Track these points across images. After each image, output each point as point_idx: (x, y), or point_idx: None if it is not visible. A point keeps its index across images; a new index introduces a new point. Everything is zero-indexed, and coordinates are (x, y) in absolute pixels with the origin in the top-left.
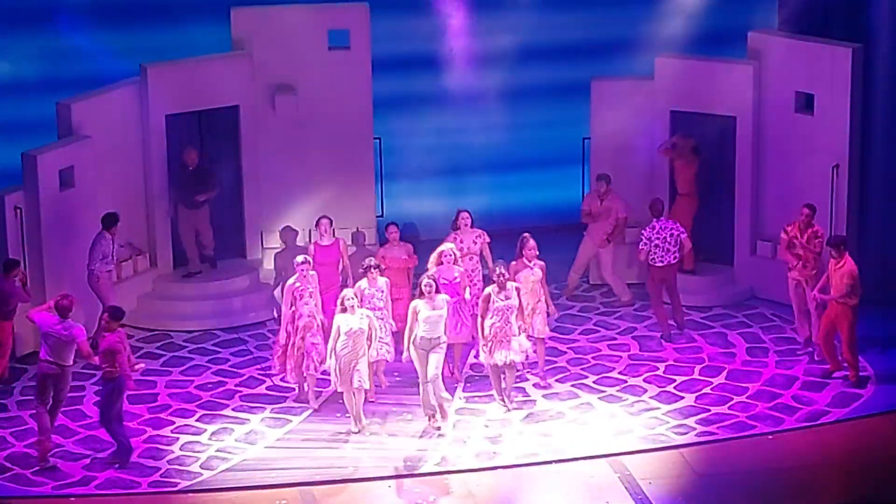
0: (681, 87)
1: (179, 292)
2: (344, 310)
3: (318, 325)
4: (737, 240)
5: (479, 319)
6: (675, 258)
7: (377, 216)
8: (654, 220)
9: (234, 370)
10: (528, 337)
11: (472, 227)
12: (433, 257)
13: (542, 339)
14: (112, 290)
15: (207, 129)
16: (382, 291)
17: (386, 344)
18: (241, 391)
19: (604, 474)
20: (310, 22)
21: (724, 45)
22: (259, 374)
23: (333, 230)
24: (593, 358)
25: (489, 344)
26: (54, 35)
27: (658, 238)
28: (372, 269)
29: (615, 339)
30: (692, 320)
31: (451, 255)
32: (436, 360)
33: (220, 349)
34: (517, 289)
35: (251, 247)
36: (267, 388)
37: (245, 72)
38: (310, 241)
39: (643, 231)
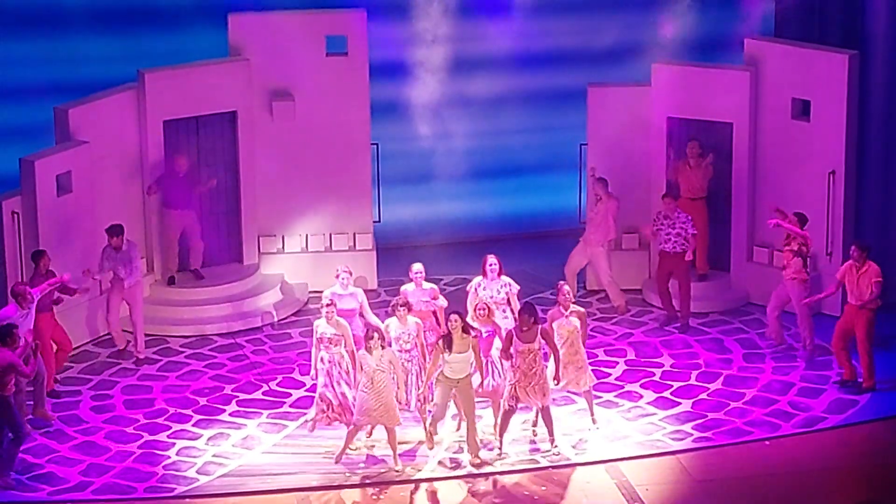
0: (677, 93)
1: (176, 297)
2: (368, 348)
3: (342, 372)
4: (733, 246)
5: (502, 354)
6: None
7: (374, 221)
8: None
9: (231, 375)
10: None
11: (499, 274)
12: (469, 311)
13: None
14: (116, 304)
15: (205, 134)
16: (411, 334)
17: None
18: (237, 396)
19: (600, 480)
20: (307, 28)
21: (721, 52)
22: (255, 380)
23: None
24: (590, 363)
25: (513, 387)
26: (52, 40)
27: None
28: (400, 308)
29: (612, 344)
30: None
31: (483, 309)
32: (468, 406)
33: (216, 354)
34: (541, 330)
35: (248, 252)
36: (263, 394)
37: (242, 78)
38: (306, 247)
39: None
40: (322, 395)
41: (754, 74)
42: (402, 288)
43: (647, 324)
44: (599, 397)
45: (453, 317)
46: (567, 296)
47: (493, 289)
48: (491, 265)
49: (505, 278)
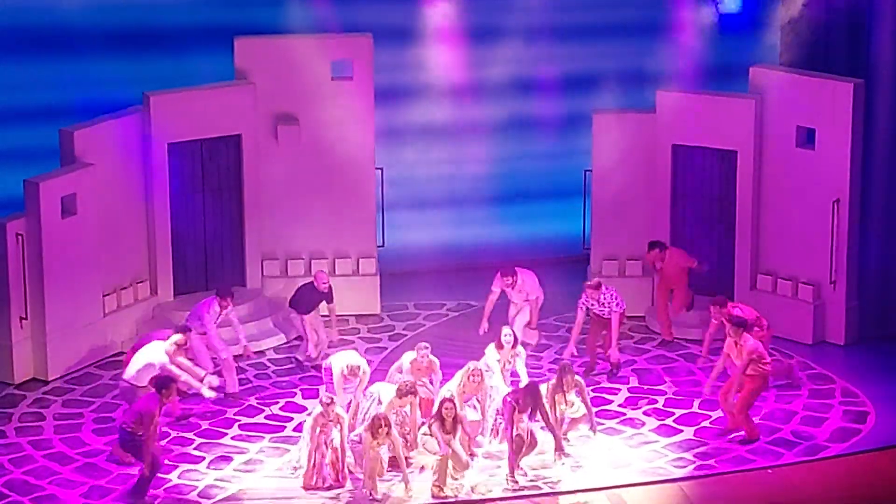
0: (682, 120)
1: (179, 320)
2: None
3: (335, 418)
4: (737, 274)
5: (506, 426)
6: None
7: (378, 246)
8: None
9: (234, 399)
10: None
11: (513, 346)
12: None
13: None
14: (203, 355)
15: (210, 158)
16: (407, 416)
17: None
18: (239, 420)
19: None
20: (313, 52)
21: (726, 80)
22: (258, 403)
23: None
24: (593, 390)
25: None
26: (58, 62)
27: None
28: (405, 396)
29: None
30: (692, 353)
31: (478, 376)
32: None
33: (219, 378)
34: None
35: (252, 275)
36: (266, 418)
37: (248, 101)
38: (310, 271)
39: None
40: (314, 455)
41: (759, 102)
42: (405, 357)
43: (649, 350)
44: (602, 424)
45: (447, 405)
46: (568, 386)
47: (505, 358)
48: (506, 335)
49: (517, 349)
